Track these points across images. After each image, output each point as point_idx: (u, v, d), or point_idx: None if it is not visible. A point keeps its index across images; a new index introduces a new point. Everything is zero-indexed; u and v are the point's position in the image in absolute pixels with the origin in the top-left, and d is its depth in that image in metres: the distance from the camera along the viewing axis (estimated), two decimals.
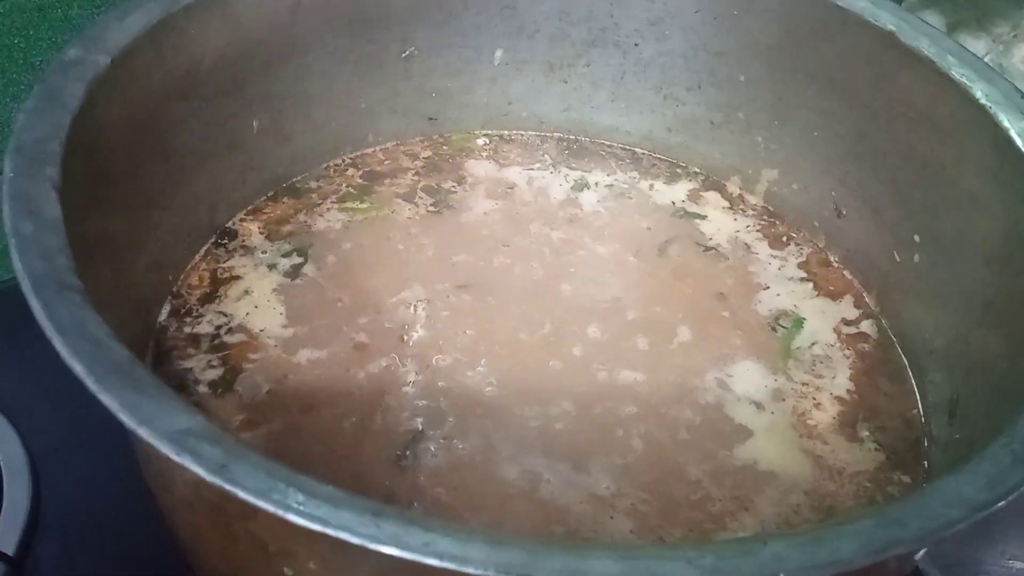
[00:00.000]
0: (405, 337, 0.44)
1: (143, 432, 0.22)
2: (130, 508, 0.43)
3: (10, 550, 0.44)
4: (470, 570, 0.21)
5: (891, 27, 0.45)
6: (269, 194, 0.51)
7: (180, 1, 0.41)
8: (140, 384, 0.24)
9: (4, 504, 0.46)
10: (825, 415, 0.43)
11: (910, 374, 0.46)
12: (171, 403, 0.24)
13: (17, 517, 0.46)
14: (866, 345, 0.47)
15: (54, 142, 0.32)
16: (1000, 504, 0.26)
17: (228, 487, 0.22)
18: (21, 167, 0.30)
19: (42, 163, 0.31)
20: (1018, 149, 0.39)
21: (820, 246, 0.52)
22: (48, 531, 0.45)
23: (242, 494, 0.22)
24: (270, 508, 0.22)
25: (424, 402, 0.42)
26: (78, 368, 0.24)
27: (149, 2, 0.40)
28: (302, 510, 0.22)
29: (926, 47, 0.43)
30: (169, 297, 0.44)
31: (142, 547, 0.44)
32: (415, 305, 0.46)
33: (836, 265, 0.51)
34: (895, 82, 0.45)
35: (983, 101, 0.41)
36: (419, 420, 0.41)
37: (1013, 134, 0.40)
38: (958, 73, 0.42)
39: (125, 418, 0.23)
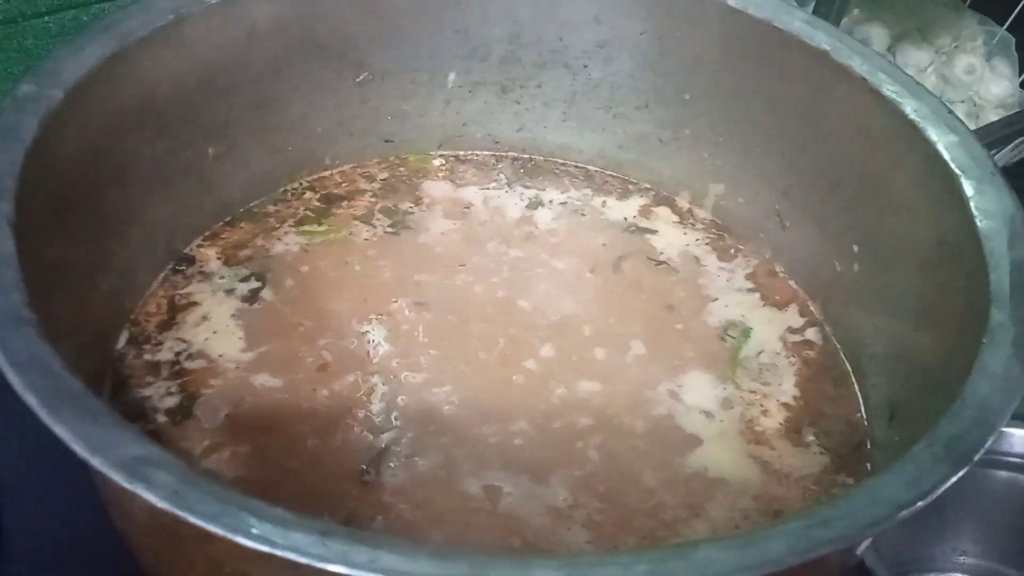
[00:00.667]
0: (365, 358, 0.45)
1: (95, 461, 0.23)
2: (95, 537, 0.43)
3: None
4: None
5: (825, 46, 0.47)
6: (227, 219, 0.51)
7: (134, 33, 0.42)
8: (93, 414, 0.25)
9: None
10: (772, 421, 0.45)
11: (853, 379, 0.47)
12: (123, 432, 0.25)
13: None
14: (811, 352, 0.49)
15: (8, 177, 0.32)
16: (920, 504, 0.27)
17: (180, 513, 0.23)
18: None
19: None
20: (945, 162, 0.41)
21: (766, 257, 0.53)
22: (12, 560, 0.45)
23: (193, 519, 0.23)
24: (221, 532, 0.22)
25: (385, 420, 0.42)
26: (32, 400, 0.24)
27: (103, 34, 0.40)
28: (252, 533, 0.23)
29: (858, 65, 0.45)
30: (127, 325, 0.45)
31: (104, 567, 0.44)
32: (374, 325, 0.47)
33: (782, 275, 0.53)
34: (831, 99, 0.47)
35: (912, 116, 0.43)
36: (381, 438, 0.42)
37: (940, 148, 0.42)
38: (889, 90, 0.44)
39: (78, 448, 0.23)
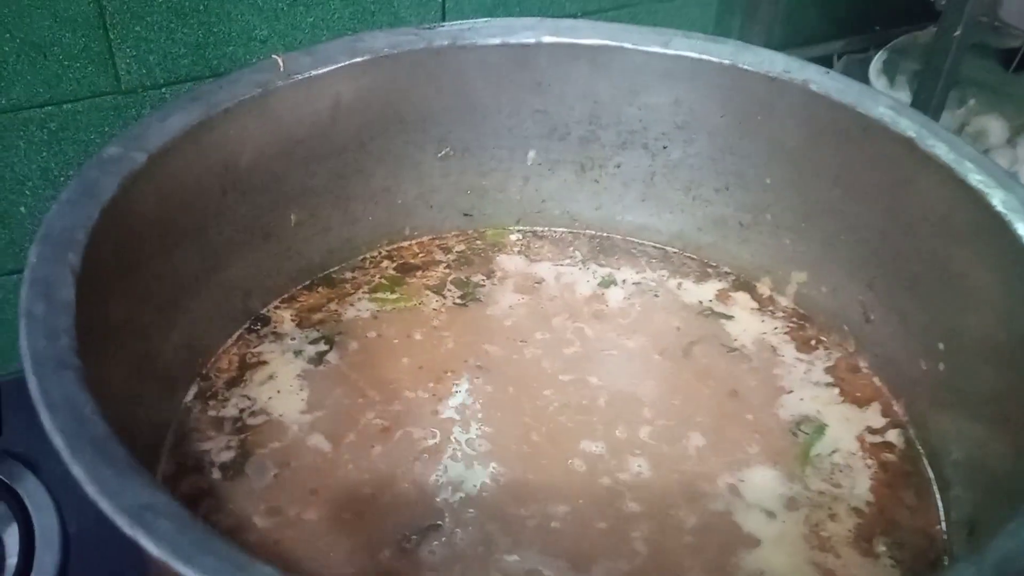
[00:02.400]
0: (419, 427, 0.45)
1: (102, 504, 0.24)
2: None
3: None
4: None
5: (910, 133, 0.45)
6: (305, 283, 0.53)
7: (220, 104, 0.44)
8: (112, 459, 0.26)
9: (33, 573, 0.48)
10: (841, 527, 0.42)
11: (935, 488, 0.44)
12: (137, 478, 0.25)
13: None
14: (891, 455, 0.45)
15: (80, 231, 0.34)
16: None
17: (174, 564, 0.23)
18: (45, 254, 0.33)
19: (65, 250, 0.33)
20: None
21: (850, 351, 0.51)
22: None
23: (186, 570, 0.23)
24: None
25: (433, 492, 0.42)
26: (57, 440, 0.25)
27: (190, 104, 0.43)
28: None
29: (944, 153, 0.43)
30: (197, 379, 0.46)
31: None
32: (432, 395, 0.47)
33: (865, 371, 0.50)
34: (914, 187, 0.45)
35: (999, 208, 0.40)
36: (427, 509, 0.41)
37: None
38: (976, 179, 0.41)
39: (89, 489, 0.24)
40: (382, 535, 0.40)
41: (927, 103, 0.60)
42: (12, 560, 0.48)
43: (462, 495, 0.42)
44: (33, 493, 0.51)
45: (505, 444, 0.44)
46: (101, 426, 0.27)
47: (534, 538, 0.40)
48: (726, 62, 0.50)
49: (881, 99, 0.47)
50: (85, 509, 0.52)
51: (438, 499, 0.42)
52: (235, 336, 0.49)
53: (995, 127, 0.85)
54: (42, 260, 0.32)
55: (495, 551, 0.40)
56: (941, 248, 0.43)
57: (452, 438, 0.44)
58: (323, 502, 0.41)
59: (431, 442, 0.44)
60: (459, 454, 0.44)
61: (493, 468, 0.43)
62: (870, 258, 0.49)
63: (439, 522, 0.41)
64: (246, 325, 0.50)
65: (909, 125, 0.45)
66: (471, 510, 0.41)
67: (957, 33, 0.58)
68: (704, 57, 0.50)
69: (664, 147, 0.54)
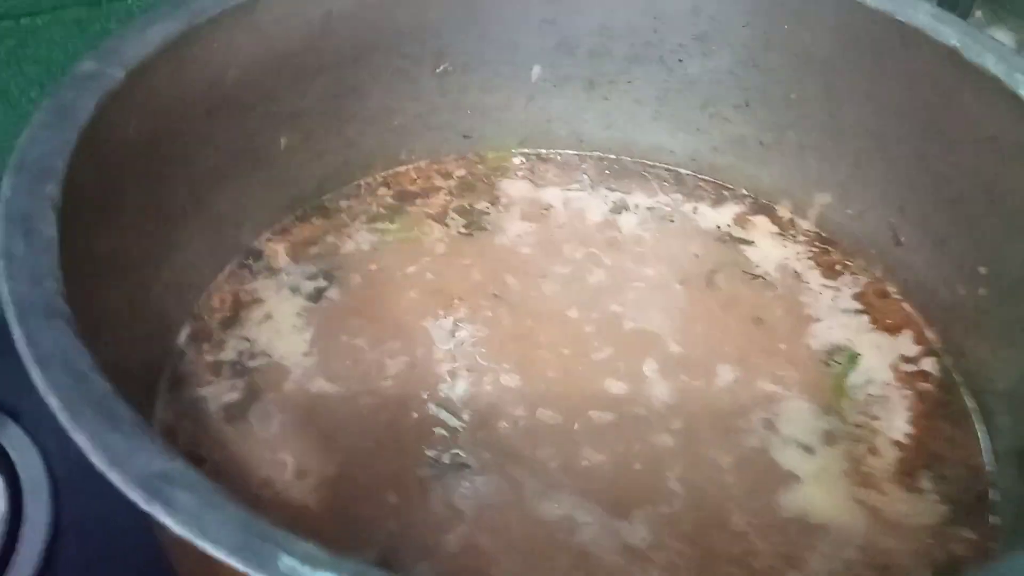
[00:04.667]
0: (430, 363, 0.42)
1: (113, 476, 0.20)
2: (149, 536, 0.41)
3: (29, 573, 0.43)
4: None
5: (954, 42, 0.41)
6: (298, 213, 0.49)
7: (204, 12, 0.39)
8: (118, 421, 0.22)
9: (24, 527, 0.45)
10: (882, 461, 0.40)
11: (975, 418, 0.42)
12: (149, 443, 0.22)
13: (37, 540, 0.44)
14: (927, 384, 0.43)
15: (58, 158, 0.30)
16: None
17: (198, 541, 0.20)
18: (21, 185, 0.29)
19: (43, 181, 0.29)
20: None
21: (877, 276, 0.48)
22: (67, 556, 0.44)
23: (212, 549, 0.20)
24: (242, 566, 0.19)
25: (452, 430, 0.39)
26: (52, 402, 0.22)
27: (172, 13, 0.38)
28: (278, 570, 0.19)
29: (992, 64, 0.40)
30: (189, 319, 0.43)
31: (156, 572, 0.42)
32: (441, 330, 0.44)
33: (895, 297, 0.47)
34: (958, 102, 0.42)
35: None
36: (447, 450, 0.38)
37: None
38: None
39: (95, 459, 0.21)
40: (404, 476, 0.37)
41: (953, 8, 0.56)
42: None
43: (487, 432, 0.39)
44: (15, 441, 0.48)
45: (525, 380, 0.42)
46: (101, 383, 0.23)
47: (564, 481, 0.38)
48: None
49: (921, 6, 0.43)
50: (71, 454, 0.49)
51: (459, 440, 0.39)
52: (226, 272, 0.46)
53: (1001, 39, 0.82)
54: (18, 193, 0.28)
55: (524, 491, 0.37)
56: (986, 167, 0.41)
57: (466, 374, 0.42)
58: (335, 447, 0.38)
59: (451, 378, 0.41)
60: (475, 390, 0.41)
61: (513, 405, 0.41)
62: (903, 178, 0.46)
63: (464, 464, 0.38)
64: (237, 260, 0.46)
65: (952, 34, 0.41)
66: (492, 451, 0.39)
67: None
68: None
69: (680, 60, 0.51)
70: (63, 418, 0.22)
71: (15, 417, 0.49)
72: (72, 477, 0.47)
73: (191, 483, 0.21)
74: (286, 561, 0.20)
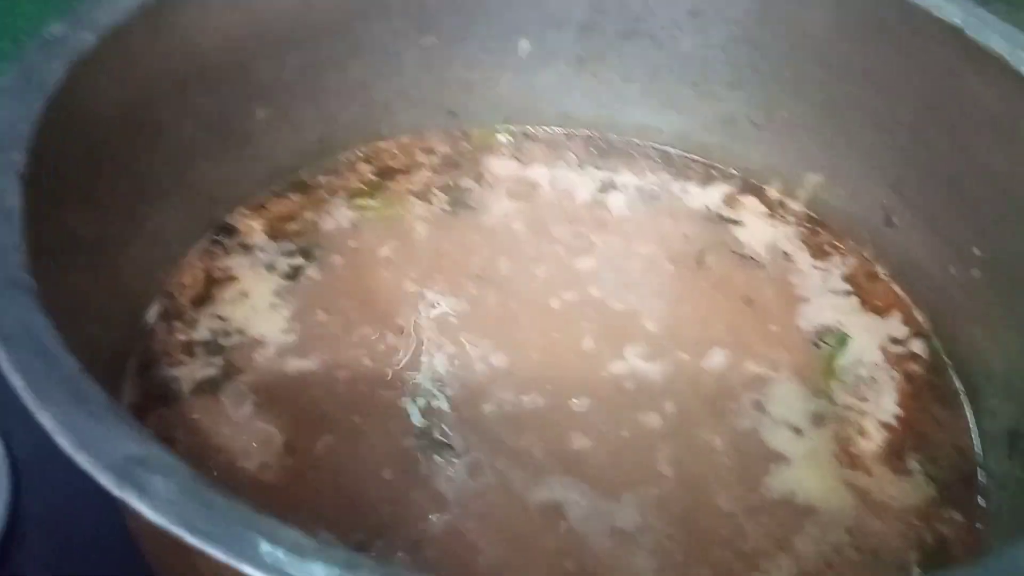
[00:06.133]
0: (411, 344, 0.41)
1: (81, 459, 0.19)
2: (110, 517, 0.40)
3: None
4: None
5: (957, 21, 0.40)
6: (274, 188, 0.48)
7: None
8: (88, 402, 0.21)
9: None
10: (870, 443, 0.39)
11: (964, 400, 0.41)
12: (120, 426, 0.21)
13: None
14: (916, 366, 0.43)
15: (23, 124, 0.29)
16: None
17: (176, 530, 0.18)
18: None
19: (8, 148, 0.28)
20: None
21: (867, 257, 0.48)
22: (27, 539, 0.42)
23: (191, 539, 0.18)
24: (223, 557, 0.18)
25: (436, 412, 0.38)
26: (17, 381, 0.21)
27: None
28: (262, 560, 0.18)
29: (997, 44, 0.39)
30: (159, 296, 0.41)
31: (123, 559, 0.41)
32: (424, 311, 0.42)
33: (884, 278, 0.47)
34: (960, 82, 0.41)
35: None
36: (428, 429, 0.37)
37: None
38: None
39: (63, 441, 0.19)
40: (384, 459, 0.36)
41: None
42: None
43: (465, 415, 0.38)
44: None
45: (510, 361, 0.41)
46: (69, 361, 0.22)
47: (552, 464, 0.37)
48: None
49: None
50: (32, 432, 0.47)
51: (444, 420, 0.38)
52: (198, 248, 0.44)
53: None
54: None
55: (512, 480, 0.36)
56: (986, 147, 0.40)
57: (447, 356, 0.40)
58: (315, 429, 0.37)
59: (430, 361, 0.40)
60: (456, 372, 0.40)
61: (499, 387, 0.39)
62: (899, 158, 0.45)
63: (448, 444, 0.37)
64: (209, 236, 0.45)
65: (956, 12, 0.40)
66: (478, 433, 0.38)
67: None
68: None
69: (673, 36, 0.49)
70: (28, 398, 0.20)
71: None
72: (34, 460, 0.46)
73: (167, 468, 0.20)
74: (269, 550, 0.18)
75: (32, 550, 0.42)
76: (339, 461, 0.36)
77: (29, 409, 0.20)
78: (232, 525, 0.19)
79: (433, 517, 0.34)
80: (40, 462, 0.44)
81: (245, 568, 0.18)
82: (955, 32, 0.40)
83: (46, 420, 0.20)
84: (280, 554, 0.18)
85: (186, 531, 0.19)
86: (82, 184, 0.34)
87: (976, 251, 0.41)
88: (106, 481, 0.19)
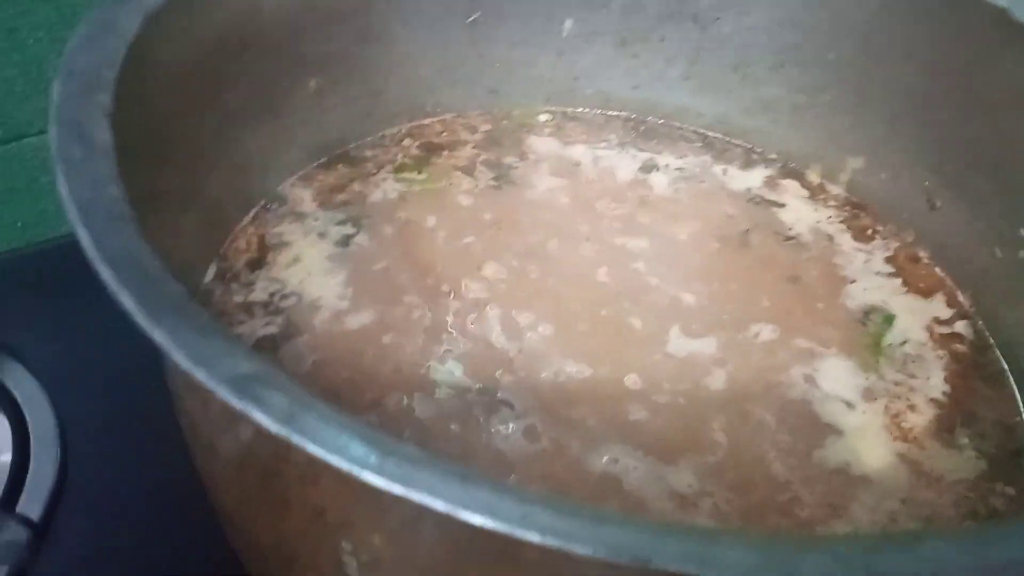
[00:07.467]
0: (464, 313, 0.41)
1: (200, 375, 0.19)
2: (158, 479, 0.40)
3: (35, 516, 0.41)
4: (575, 548, 0.18)
5: (1003, 2, 0.41)
6: (321, 160, 0.48)
7: None
8: (197, 323, 0.21)
9: (31, 469, 0.44)
10: (921, 418, 0.40)
11: (1011, 379, 0.42)
12: (231, 345, 0.21)
13: (43, 483, 0.43)
14: (961, 347, 0.43)
15: (107, 69, 0.29)
16: None
17: (296, 440, 0.19)
18: (71, 92, 0.27)
19: (94, 89, 0.28)
20: None
21: (908, 241, 0.48)
22: (74, 499, 0.42)
23: (312, 448, 0.19)
24: (343, 465, 0.18)
25: (481, 381, 0.38)
26: (128, 302, 0.21)
27: None
28: (381, 468, 0.18)
29: None
30: (215, 259, 0.41)
31: (170, 518, 0.41)
32: (472, 280, 0.43)
33: (926, 261, 0.47)
34: (1004, 64, 0.41)
35: None
36: (478, 397, 0.38)
37: None
38: None
39: (180, 358, 0.20)
40: (436, 420, 0.36)
41: None
42: (5, 457, 0.43)
43: (525, 380, 0.38)
44: (21, 384, 0.46)
45: (560, 335, 0.41)
46: (175, 285, 0.22)
47: (610, 433, 0.37)
48: None
49: None
50: (81, 398, 0.47)
51: (493, 384, 0.38)
52: (251, 215, 0.44)
53: None
54: (69, 99, 0.27)
55: (569, 447, 0.36)
56: None
57: (503, 325, 0.41)
58: (365, 392, 0.37)
59: (482, 329, 0.40)
60: (509, 343, 0.40)
61: (551, 359, 0.40)
62: (941, 141, 0.45)
63: (508, 403, 0.37)
64: (262, 204, 0.45)
65: None
66: (530, 402, 0.38)
67: None
68: None
69: (716, 18, 0.50)
70: (140, 318, 0.20)
71: (20, 359, 0.47)
72: (80, 421, 0.46)
73: (280, 385, 0.20)
74: (385, 460, 0.19)
75: (79, 516, 0.42)
76: (402, 415, 0.36)
77: (141, 328, 0.20)
78: (350, 437, 0.19)
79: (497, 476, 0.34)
80: (88, 430, 0.45)
81: (368, 477, 0.18)
82: (1000, 13, 0.40)
83: (162, 338, 0.20)
84: (399, 463, 0.19)
85: (307, 442, 0.19)
86: (151, 139, 0.34)
87: (1023, 231, 0.42)
88: (226, 395, 0.19)
